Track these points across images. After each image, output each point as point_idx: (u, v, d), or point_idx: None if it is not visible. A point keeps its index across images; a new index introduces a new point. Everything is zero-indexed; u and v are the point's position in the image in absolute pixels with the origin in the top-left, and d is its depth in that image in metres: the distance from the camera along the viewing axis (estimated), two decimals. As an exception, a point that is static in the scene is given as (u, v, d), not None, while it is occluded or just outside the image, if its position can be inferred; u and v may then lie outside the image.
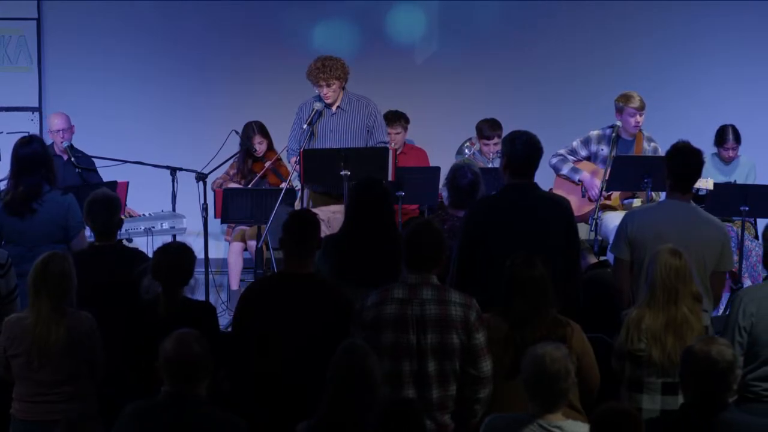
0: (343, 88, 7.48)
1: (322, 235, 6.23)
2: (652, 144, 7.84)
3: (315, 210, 7.34)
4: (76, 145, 8.13)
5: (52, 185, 6.07)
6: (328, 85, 7.38)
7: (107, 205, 5.56)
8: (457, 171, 6.41)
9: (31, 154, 6.03)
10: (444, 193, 6.60)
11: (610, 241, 5.91)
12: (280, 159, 8.37)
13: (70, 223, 6.01)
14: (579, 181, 7.88)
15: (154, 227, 7.63)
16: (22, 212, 5.96)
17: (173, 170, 7.94)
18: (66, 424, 4.20)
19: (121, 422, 4.21)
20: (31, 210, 5.96)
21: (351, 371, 4.14)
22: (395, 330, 4.63)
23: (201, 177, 7.69)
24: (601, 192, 7.56)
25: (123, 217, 6.93)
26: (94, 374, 5.03)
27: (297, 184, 7.59)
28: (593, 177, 7.78)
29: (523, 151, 5.36)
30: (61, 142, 8.05)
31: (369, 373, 4.17)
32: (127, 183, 7.73)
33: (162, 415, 4.14)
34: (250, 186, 8.24)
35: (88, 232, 5.98)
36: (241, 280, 8.31)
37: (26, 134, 6.34)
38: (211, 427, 4.16)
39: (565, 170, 7.91)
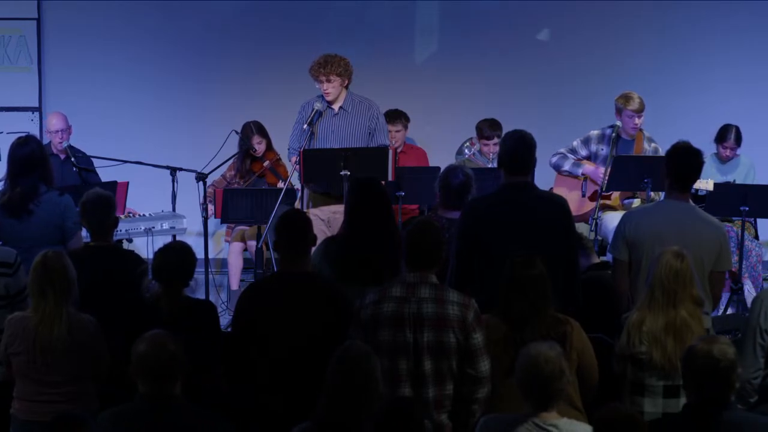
0: (346, 88, 7.47)
1: (323, 235, 6.28)
2: (653, 144, 7.83)
3: (315, 210, 7.35)
4: (75, 145, 8.12)
5: (49, 186, 6.02)
6: (328, 80, 7.35)
7: (101, 204, 5.53)
8: (449, 172, 6.33)
9: (28, 154, 5.98)
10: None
11: (610, 241, 5.89)
12: (279, 159, 8.38)
13: (67, 224, 5.96)
14: (582, 174, 7.88)
15: (154, 227, 7.62)
16: (19, 213, 5.92)
17: (173, 170, 7.95)
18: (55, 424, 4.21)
19: (101, 428, 4.18)
20: (28, 211, 5.92)
21: (351, 374, 4.11)
22: (392, 328, 4.63)
23: (201, 177, 7.69)
24: (604, 182, 7.55)
25: (120, 216, 6.94)
26: (96, 375, 5.03)
27: (297, 184, 7.58)
28: (597, 168, 7.77)
29: (513, 146, 5.35)
30: (60, 143, 8.04)
31: (370, 375, 4.14)
32: (127, 183, 7.72)
33: (142, 418, 4.12)
34: (246, 185, 8.24)
35: (84, 232, 5.94)
36: (241, 280, 8.31)
37: (23, 134, 6.31)
38: (194, 427, 4.15)
39: (566, 166, 7.91)
